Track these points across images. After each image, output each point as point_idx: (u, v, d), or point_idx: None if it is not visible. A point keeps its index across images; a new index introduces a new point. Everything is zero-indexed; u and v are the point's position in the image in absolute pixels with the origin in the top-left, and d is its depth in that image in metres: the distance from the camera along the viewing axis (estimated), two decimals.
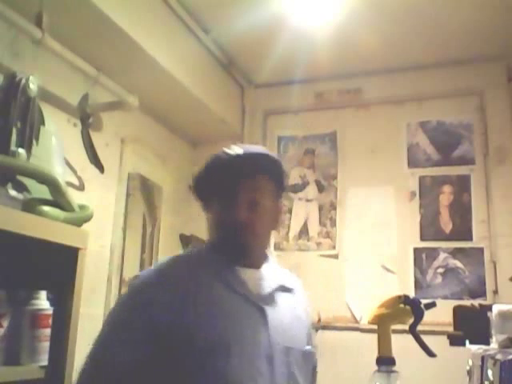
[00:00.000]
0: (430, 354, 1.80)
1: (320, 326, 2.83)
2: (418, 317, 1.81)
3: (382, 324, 1.82)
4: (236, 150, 1.14)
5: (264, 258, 1.21)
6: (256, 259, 1.17)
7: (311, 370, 1.21)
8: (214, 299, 1.06)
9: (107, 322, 1.07)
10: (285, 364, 1.07)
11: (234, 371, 0.99)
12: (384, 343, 1.78)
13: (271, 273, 1.18)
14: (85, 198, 1.82)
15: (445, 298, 2.71)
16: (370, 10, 2.43)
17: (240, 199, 1.11)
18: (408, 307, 1.80)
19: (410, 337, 1.99)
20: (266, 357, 1.04)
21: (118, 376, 1.00)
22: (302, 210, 3.09)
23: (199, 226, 3.20)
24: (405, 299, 1.82)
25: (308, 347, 1.17)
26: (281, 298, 1.16)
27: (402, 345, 1.84)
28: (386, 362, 1.75)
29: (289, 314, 1.16)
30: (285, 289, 1.19)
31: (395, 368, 1.75)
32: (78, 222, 1.38)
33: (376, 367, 1.74)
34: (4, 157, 1.23)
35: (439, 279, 2.76)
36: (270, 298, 1.13)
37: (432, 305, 1.84)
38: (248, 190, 1.12)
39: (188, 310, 1.02)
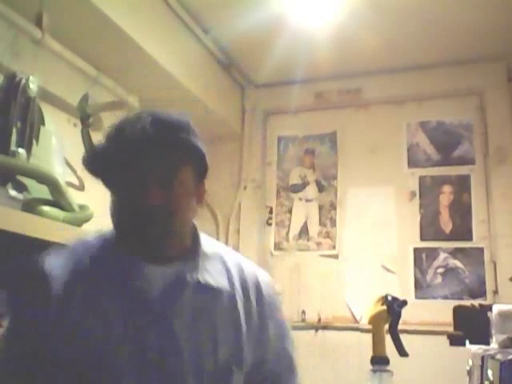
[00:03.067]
0: (403, 353, 1.82)
1: (320, 325, 2.83)
2: (395, 316, 1.83)
3: (376, 324, 1.84)
4: (143, 121, 0.90)
5: (186, 249, 0.98)
6: (171, 252, 0.95)
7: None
8: (102, 307, 0.89)
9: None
10: (184, 373, 0.89)
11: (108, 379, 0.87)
12: (378, 343, 1.79)
13: (188, 269, 0.95)
14: (85, 198, 1.82)
15: (445, 297, 2.71)
16: (370, 10, 2.43)
17: (149, 176, 0.90)
18: (385, 307, 1.82)
19: (409, 337, 2.00)
20: (156, 364, 0.88)
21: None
22: (301, 210, 3.09)
23: (199, 225, 3.20)
24: (384, 300, 1.84)
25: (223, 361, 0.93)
26: (197, 298, 0.94)
27: None
28: (379, 361, 1.75)
29: (205, 321, 0.94)
30: (209, 289, 0.96)
31: (390, 368, 1.76)
32: (78, 222, 1.38)
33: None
34: (4, 157, 1.23)
35: (439, 279, 2.76)
36: (178, 300, 0.92)
37: (403, 303, 1.85)
38: (160, 165, 0.91)
39: (75, 306, 0.89)
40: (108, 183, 0.97)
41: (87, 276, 0.92)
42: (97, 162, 0.96)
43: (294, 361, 1.05)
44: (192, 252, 0.98)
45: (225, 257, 1.03)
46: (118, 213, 0.95)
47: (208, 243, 1.03)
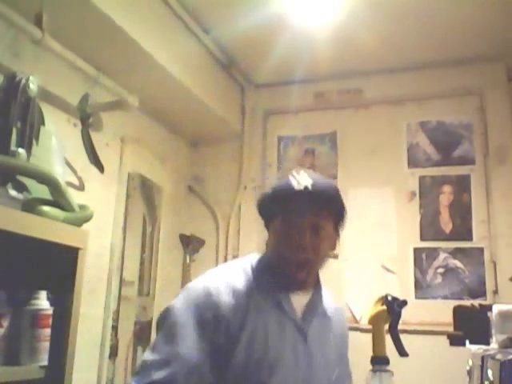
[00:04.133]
0: (403, 353, 1.82)
1: None
2: (395, 316, 1.83)
3: (376, 324, 1.84)
4: (304, 180, 1.16)
5: (315, 282, 1.24)
6: (309, 283, 1.21)
7: None
8: (269, 322, 1.10)
9: (173, 318, 1.07)
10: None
11: None
12: (378, 343, 1.79)
13: (317, 299, 1.23)
14: (85, 198, 1.82)
15: (445, 297, 2.71)
16: (370, 10, 2.43)
17: (304, 223, 1.14)
18: (385, 307, 1.82)
19: (410, 337, 1.99)
20: (304, 378, 1.11)
21: (188, 370, 1.02)
22: None
23: (199, 225, 3.21)
24: (384, 300, 1.84)
25: (335, 373, 1.23)
26: (321, 323, 1.21)
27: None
28: (379, 361, 1.75)
29: (326, 339, 1.21)
30: (325, 315, 1.24)
31: (390, 368, 1.76)
32: (78, 222, 1.38)
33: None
34: (4, 157, 1.23)
35: (439, 279, 2.76)
36: (311, 324, 1.17)
37: (403, 303, 1.85)
38: (312, 217, 1.15)
39: (248, 321, 1.07)
40: (269, 223, 1.21)
41: (248, 299, 1.11)
42: (266, 206, 1.22)
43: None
44: (318, 287, 1.25)
45: (325, 292, 1.30)
46: (275, 249, 1.17)
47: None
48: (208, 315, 1.05)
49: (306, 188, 1.13)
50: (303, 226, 1.13)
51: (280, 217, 1.16)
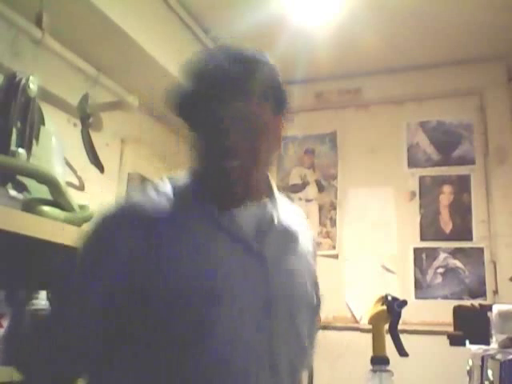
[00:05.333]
0: (403, 353, 1.82)
1: (320, 325, 2.83)
2: (395, 316, 1.83)
3: (376, 324, 1.84)
4: (220, 58, 0.92)
5: (265, 188, 1.00)
6: (254, 191, 0.95)
7: (315, 322, 1.07)
8: (200, 240, 0.88)
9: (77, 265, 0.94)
10: (286, 315, 0.92)
11: (225, 323, 0.84)
12: (378, 343, 1.79)
13: (273, 209, 0.97)
14: (85, 198, 1.82)
15: (445, 298, 2.71)
16: (370, 10, 2.43)
17: (230, 116, 0.89)
18: (385, 307, 1.83)
19: (409, 337, 1.99)
20: (263, 308, 0.88)
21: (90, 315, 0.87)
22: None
23: None
24: (384, 300, 1.84)
25: (314, 298, 1.04)
26: (283, 240, 0.98)
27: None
28: (379, 361, 1.76)
29: (292, 261, 0.97)
30: (287, 232, 0.99)
31: (390, 368, 1.76)
32: (78, 222, 1.38)
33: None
34: (4, 157, 1.23)
35: (439, 279, 2.76)
36: (270, 242, 0.94)
37: (403, 303, 1.85)
38: (239, 103, 0.89)
39: (167, 248, 0.86)
40: (190, 123, 0.95)
41: (175, 219, 0.89)
42: (179, 101, 0.94)
43: None
44: (271, 196, 1.00)
45: (284, 201, 1.05)
46: (201, 153, 0.94)
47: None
48: (111, 262, 0.87)
49: (223, 64, 0.89)
50: (232, 119, 0.87)
51: (201, 113, 0.90)
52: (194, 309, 0.83)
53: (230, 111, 0.88)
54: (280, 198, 1.02)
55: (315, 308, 1.05)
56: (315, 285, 1.07)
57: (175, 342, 0.83)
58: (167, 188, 0.96)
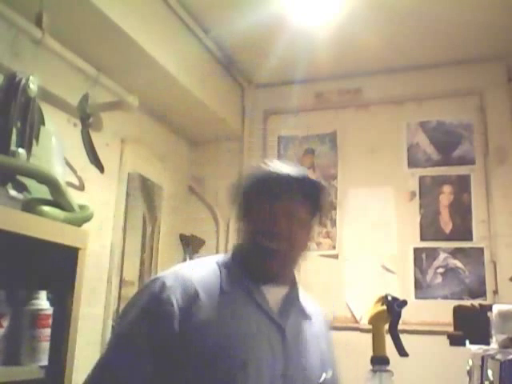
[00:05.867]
0: (403, 353, 1.82)
1: None
2: (395, 316, 1.83)
3: (376, 324, 1.84)
4: (282, 169, 1.13)
5: (291, 277, 1.18)
6: (284, 276, 1.14)
7: None
8: (235, 311, 1.04)
9: (121, 326, 1.05)
10: None
11: None
12: (378, 343, 1.79)
13: (294, 295, 1.16)
14: (85, 198, 1.83)
15: (445, 298, 2.71)
16: (370, 10, 2.43)
17: (280, 210, 1.09)
18: (385, 307, 1.82)
19: (409, 337, 1.99)
20: (281, 378, 1.03)
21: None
22: None
23: (199, 225, 3.21)
24: (384, 300, 1.84)
25: (323, 377, 1.14)
26: (299, 321, 1.14)
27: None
28: (379, 361, 1.75)
29: (305, 338, 1.13)
30: (304, 314, 1.17)
31: (390, 368, 1.75)
32: (78, 222, 1.38)
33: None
34: (4, 157, 1.23)
35: (439, 279, 2.76)
36: (290, 319, 1.10)
37: (403, 303, 1.85)
38: (288, 206, 1.10)
39: (206, 317, 1.00)
40: (243, 213, 1.15)
41: (225, 292, 1.05)
42: (240, 194, 1.18)
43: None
44: (294, 281, 1.18)
45: (303, 291, 1.22)
46: (250, 237, 1.12)
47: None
48: (159, 325, 0.98)
49: (301, 176, 1.12)
50: (281, 212, 1.08)
51: (257, 204, 1.10)
52: (225, 372, 0.96)
53: (282, 208, 1.09)
54: (301, 288, 1.20)
55: (326, 381, 1.15)
56: (325, 362, 1.17)
57: None
58: (213, 261, 1.14)
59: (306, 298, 1.20)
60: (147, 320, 0.99)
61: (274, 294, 1.10)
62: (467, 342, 1.87)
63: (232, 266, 1.11)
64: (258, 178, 1.15)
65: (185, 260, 3.10)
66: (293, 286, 1.17)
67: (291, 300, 1.13)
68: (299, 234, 1.11)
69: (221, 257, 1.16)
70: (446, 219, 2.84)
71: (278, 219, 1.08)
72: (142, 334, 0.98)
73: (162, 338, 0.97)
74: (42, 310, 1.28)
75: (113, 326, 1.10)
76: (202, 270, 1.09)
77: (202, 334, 0.98)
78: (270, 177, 1.12)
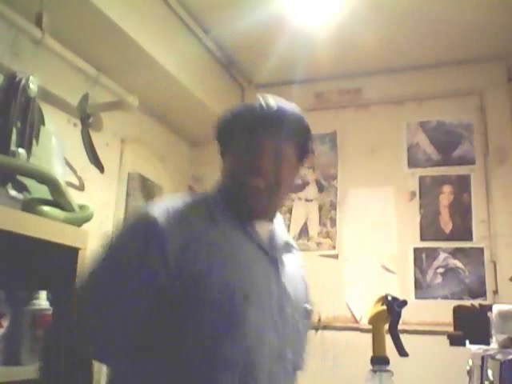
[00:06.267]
0: (403, 353, 1.82)
1: (320, 325, 2.83)
2: (395, 316, 1.83)
3: (376, 324, 1.84)
4: (270, 102, 1.09)
5: (274, 214, 1.18)
6: (269, 214, 1.14)
7: (308, 324, 1.22)
8: (232, 246, 1.04)
9: (114, 273, 0.99)
10: (292, 316, 1.09)
11: (252, 320, 0.98)
12: (378, 343, 1.79)
13: (279, 228, 1.17)
14: (85, 198, 1.83)
15: (445, 298, 2.71)
16: (370, 10, 2.43)
17: (267, 146, 1.06)
18: (385, 307, 1.82)
19: (409, 337, 1.99)
20: (277, 307, 1.05)
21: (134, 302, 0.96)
22: (301, 210, 3.09)
23: None
24: (384, 300, 1.84)
25: (308, 305, 1.20)
26: (286, 253, 1.16)
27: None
28: (379, 361, 1.75)
29: (293, 270, 1.16)
30: (289, 246, 1.19)
31: (390, 368, 1.76)
32: (78, 222, 1.38)
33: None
34: (4, 157, 1.23)
35: (439, 279, 2.76)
36: (279, 252, 1.13)
37: (403, 303, 1.85)
38: (277, 141, 1.08)
39: (205, 254, 0.98)
40: (228, 146, 1.14)
41: (217, 226, 1.04)
42: (223, 128, 1.17)
43: None
44: (277, 219, 1.18)
45: (282, 226, 1.22)
46: (232, 172, 1.10)
47: None
48: (157, 249, 0.96)
49: (273, 109, 1.07)
50: (266, 148, 1.05)
51: (241, 139, 1.09)
52: (227, 306, 0.96)
53: (266, 143, 1.06)
54: (281, 223, 1.20)
55: (309, 312, 1.21)
56: (307, 294, 1.24)
57: (210, 336, 0.95)
58: (201, 198, 1.12)
59: (284, 232, 1.21)
60: (145, 266, 0.96)
61: (261, 228, 1.10)
62: (467, 341, 1.87)
63: (220, 202, 1.10)
64: (241, 111, 1.12)
65: None
66: (276, 221, 1.17)
67: (277, 234, 1.14)
68: (283, 171, 1.08)
69: (207, 194, 1.15)
70: (446, 219, 2.84)
71: (262, 155, 1.05)
72: (140, 282, 0.96)
73: (160, 282, 0.95)
74: (42, 310, 1.28)
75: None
76: (193, 206, 1.06)
77: (202, 273, 0.96)
78: (255, 110, 1.08)
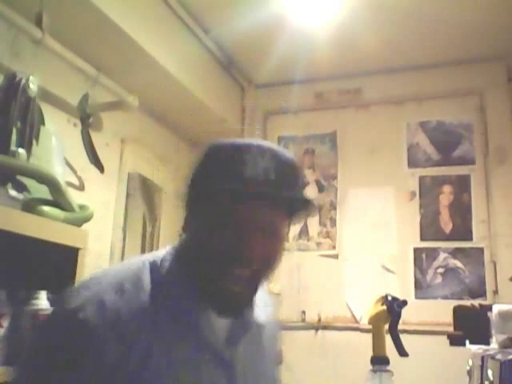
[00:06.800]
0: (403, 353, 1.82)
1: (320, 325, 2.83)
2: (395, 316, 1.83)
3: (376, 324, 1.84)
4: (267, 161, 0.78)
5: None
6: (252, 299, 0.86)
7: None
8: (170, 350, 0.77)
9: (42, 353, 0.76)
10: None
11: None
12: (378, 343, 1.80)
13: (250, 313, 0.89)
14: (85, 198, 1.82)
15: (445, 298, 2.71)
16: (370, 10, 2.43)
17: (259, 223, 0.78)
18: (385, 307, 1.83)
19: (409, 337, 1.99)
20: None
21: None
22: None
23: None
24: (384, 300, 1.84)
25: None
26: (251, 342, 0.89)
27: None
28: (379, 361, 1.76)
29: (258, 364, 0.91)
30: (257, 326, 0.91)
31: (390, 368, 1.76)
32: (78, 222, 1.38)
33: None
34: (4, 157, 1.23)
35: (439, 279, 2.76)
36: (239, 349, 0.86)
37: (403, 303, 1.86)
38: (270, 218, 0.80)
39: (140, 364, 0.75)
40: (206, 198, 0.85)
41: (147, 317, 0.77)
42: (204, 182, 0.86)
43: None
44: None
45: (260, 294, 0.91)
46: (208, 249, 0.79)
47: None
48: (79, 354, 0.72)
49: (273, 174, 0.77)
50: (259, 226, 0.78)
51: (228, 199, 0.78)
52: None
53: (261, 219, 0.79)
54: (260, 295, 0.89)
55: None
56: (274, 373, 0.99)
57: None
58: (145, 280, 0.80)
59: (258, 300, 0.91)
60: (71, 372, 0.73)
61: (223, 324, 0.84)
62: (467, 341, 1.87)
63: (173, 277, 0.82)
64: (237, 160, 0.79)
65: None
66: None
67: (245, 318, 0.87)
68: (277, 253, 0.83)
69: (158, 259, 0.85)
70: (446, 219, 2.84)
71: (255, 240, 0.78)
72: None
73: None
74: (42, 310, 1.28)
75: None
76: (131, 293, 0.78)
77: (135, 372, 0.74)
78: (252, 168, 0.77)
